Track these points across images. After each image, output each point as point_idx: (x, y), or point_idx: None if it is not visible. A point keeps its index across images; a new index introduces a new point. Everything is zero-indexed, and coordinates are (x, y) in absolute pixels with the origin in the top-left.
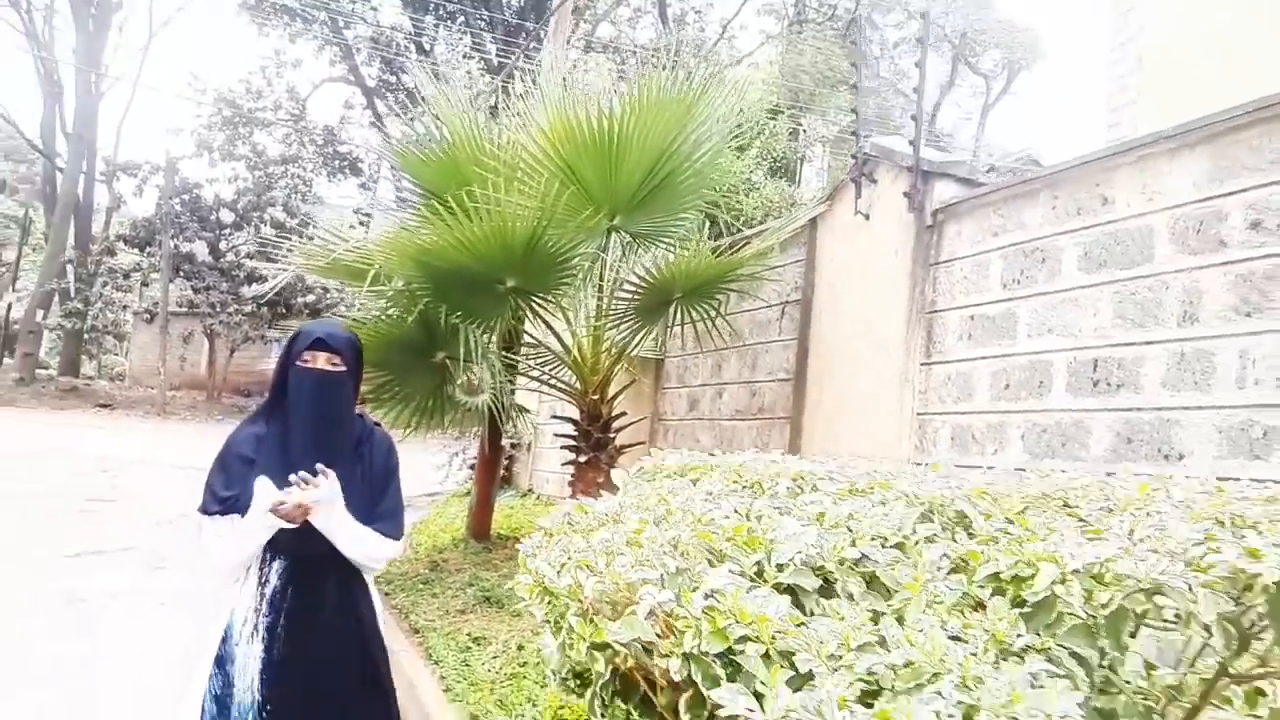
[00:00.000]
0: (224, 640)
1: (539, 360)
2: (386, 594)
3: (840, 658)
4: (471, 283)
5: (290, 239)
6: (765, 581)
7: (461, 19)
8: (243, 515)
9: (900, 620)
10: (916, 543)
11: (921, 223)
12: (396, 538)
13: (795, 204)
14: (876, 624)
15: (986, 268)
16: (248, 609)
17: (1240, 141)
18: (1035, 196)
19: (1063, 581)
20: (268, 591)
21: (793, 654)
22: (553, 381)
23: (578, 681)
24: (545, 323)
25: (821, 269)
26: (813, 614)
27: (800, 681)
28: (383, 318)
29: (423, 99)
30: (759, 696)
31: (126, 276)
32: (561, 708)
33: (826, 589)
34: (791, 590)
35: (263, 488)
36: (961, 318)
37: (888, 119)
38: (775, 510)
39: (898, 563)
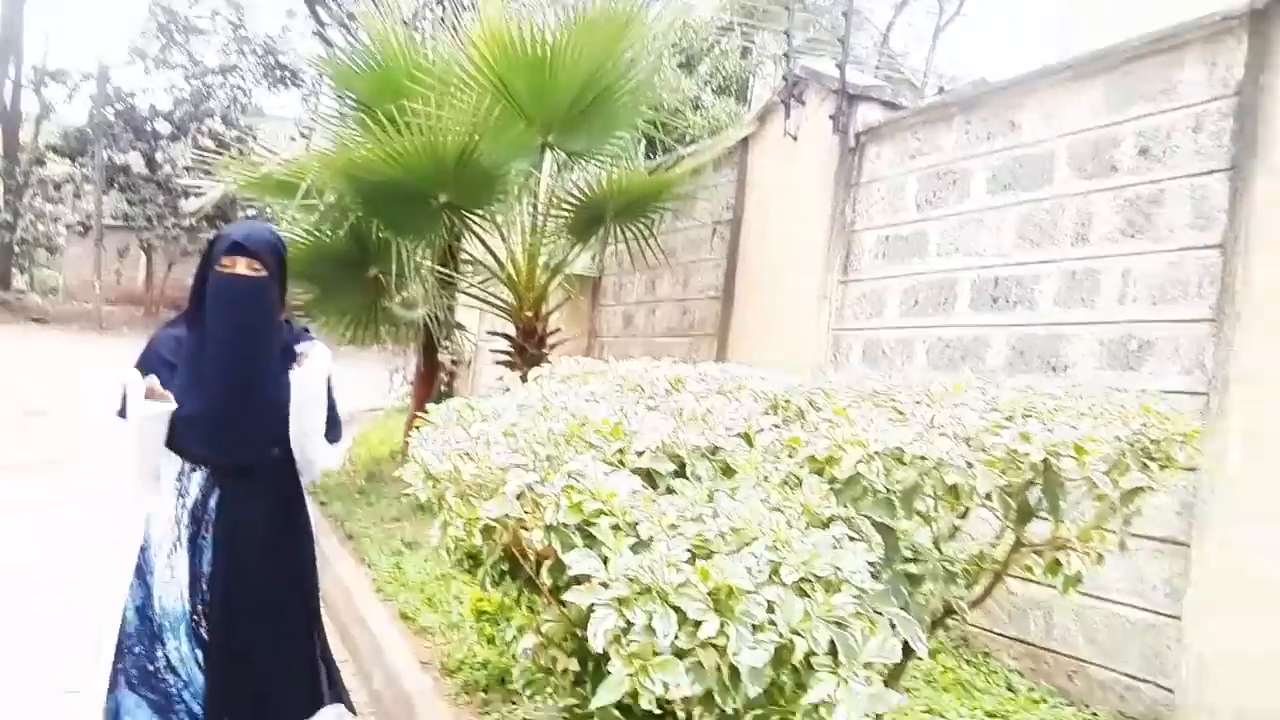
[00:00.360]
0: (143, 550)
1: (477, 278)
2: (323, 503)
3: (678, 527)
4: (403, 197)
5: (227, 151)
6: (625, 466)
7: None
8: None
9: (733, 496)
10: (759, 432)
11: (845, 145)
12: (335, 440)
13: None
14: (712, 500)
15: (903, 189)
16: (168, 520)
17: (1133, 72)
18: (950, 121)
19: (867, 461)
20: (188, 503)
21: (638, 524)
22: (489, 298)
23: (471, 562)
24: (481, 239)
25: (752, 189)
26: (669, 492)
27: (642, 547)
28: (314, 232)
29: (354, 14)
30: (606, 560)
31: (58, 188)
32: (480, 599)
33: (681, 473)
34: (649, 473)
35: (132, 382)
36: (878, 238)
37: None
38: (645, 408)
39: (739, 449)
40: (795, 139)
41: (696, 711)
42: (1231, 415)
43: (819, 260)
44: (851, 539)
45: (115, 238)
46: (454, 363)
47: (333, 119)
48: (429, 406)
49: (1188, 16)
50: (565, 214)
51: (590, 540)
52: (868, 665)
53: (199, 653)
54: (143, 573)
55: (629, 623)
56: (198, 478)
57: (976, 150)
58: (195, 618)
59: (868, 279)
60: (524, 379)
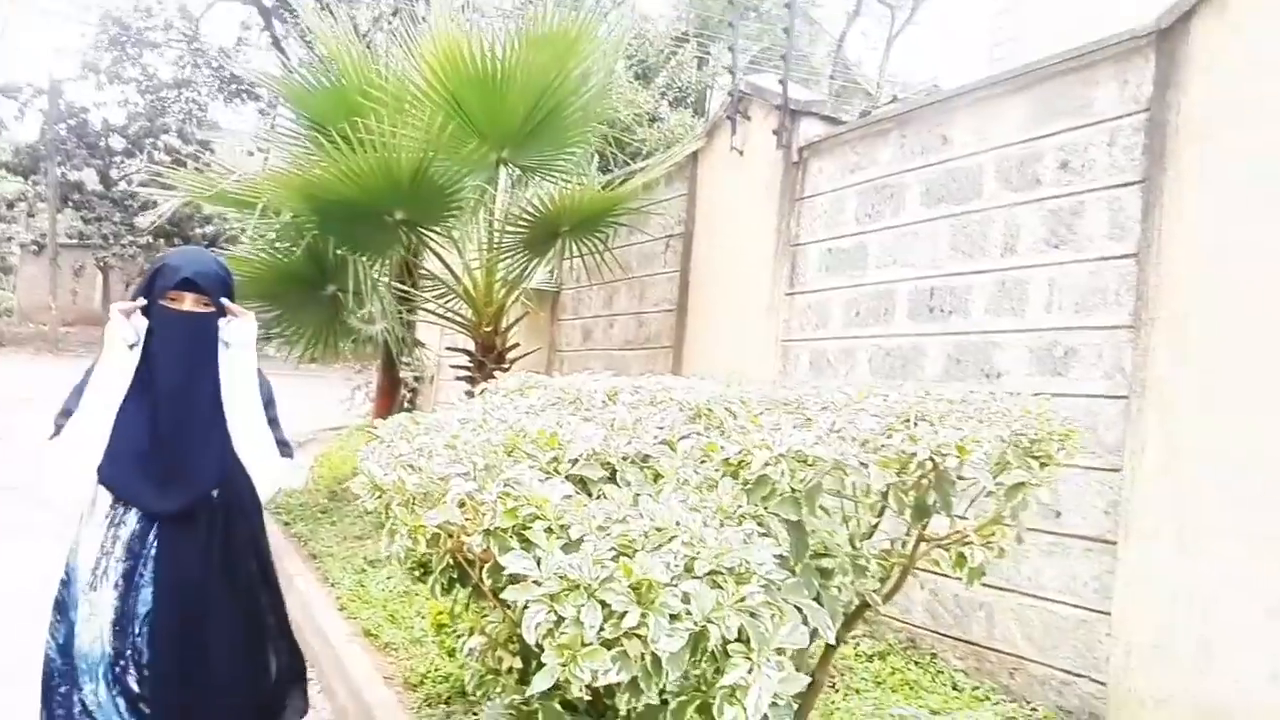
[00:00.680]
0: (65, 584)
1: (435, 294)
2: (286, 523)
3: (605, 528)
4: (359, 215)
5: (184, 167)
6: (559, 474)
7: None
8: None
9: (656, 499)
10: (681, 439)
11: (788, 159)
12: (290, 456)
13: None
14: (637, 503)
15: (843, 203)
16: (95, 550)
17: (1053, 88)
18: (887, 135)
19: (774, 463)
20: (123, 534)
21: (569, 526)
22: (448, 314)
23: (423, 571)
24: (438, 256)
25: (701, 203)
26: (600, 497)
27: (572, 547)
28: (270, 250)
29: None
30: (539, 560)
31: (10, 206)
32: (441, 613)
33: (612, 478)
34: (583, 480)
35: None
36: (821, 250)
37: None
38: (581, 419)
39: (665, 455)
40: (742, 154)
41: (625, 699)
42: (1149, 418)
43: (767, 273)
44: (761, 535)
45: (71, 256)
46: (415, 379)
47: (288, 137)
48: (377, 422)
49: (1105, 34)
50: (521, 230)
51: (525, 543)
52: (780, 651)
53: (121, 701)
54: (65, 608)
55: (560, 617)
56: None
57: (911, 164)
58: (121, 663)
59: (813, 291)
60: (470, 394)
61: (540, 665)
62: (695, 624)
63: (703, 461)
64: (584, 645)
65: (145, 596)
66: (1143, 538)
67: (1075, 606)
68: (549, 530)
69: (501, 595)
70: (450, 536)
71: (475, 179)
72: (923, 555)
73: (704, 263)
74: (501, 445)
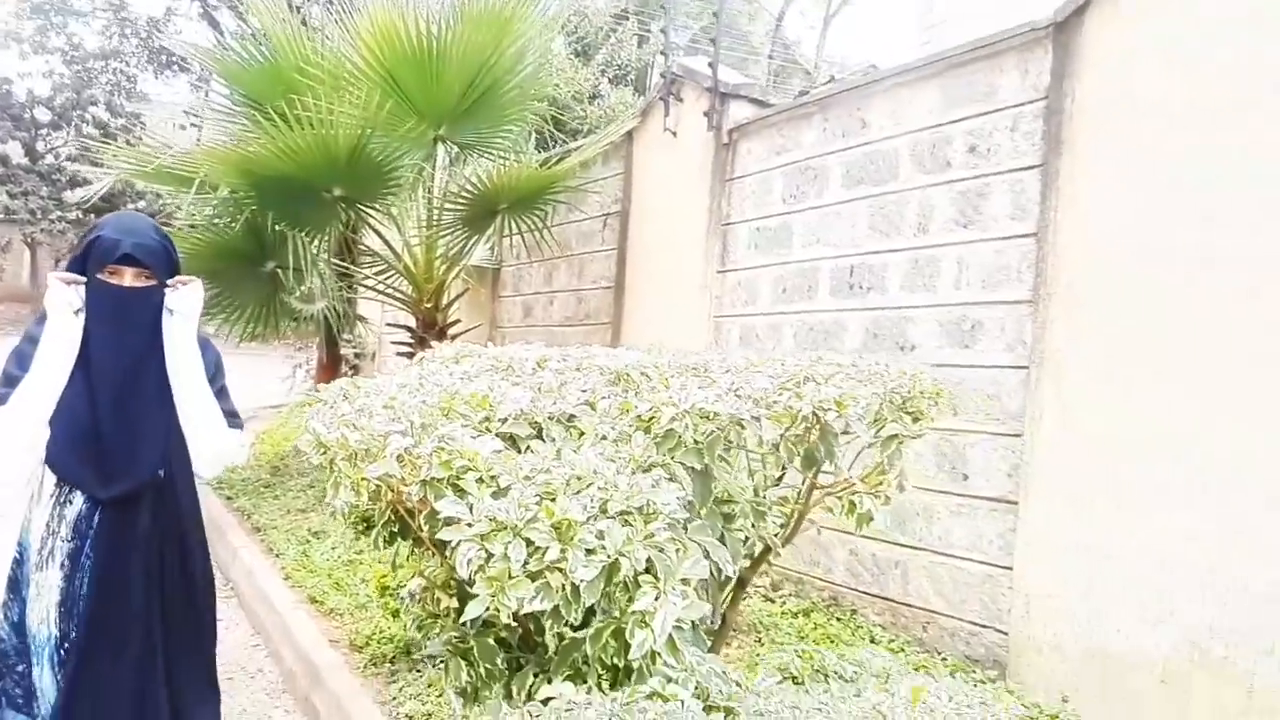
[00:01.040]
0: (18, 563)
1: (376, 270)
2: (229, 498)
3: (530, 478)
4: (297, 192)
5: (114, 141)
6: (490, 432)
7: None
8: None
9: (577, 451)
10: (601, 399)
11: (719, 141)
12: (239, 429)
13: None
14: (560, 456)
15: (770, 184)
16: (42, 529)
17: (961, 76)
18: (810, 119)
19: (680, 418)
20: (69, 514)
21: (498, 476)
22: (389, 291)
23: (365, 525)
24: (378, 232)
25: (637, 182)
26: (528, 451)
27: (501, 494)
28: (209, 226)
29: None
30: (471, 506)
31: None
32: (384, 575)
33: (539, 435)
34: (512, 437)
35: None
36: (750, 229)
37: (732, 27)
38: (511, 384)
39: (586, 414)
40: (675, 135)
41: (550, 624)
42: (1045, 387)
43: (699, 251)
44: (669, 481)
45: None
46: (357, 355)
47: (222, 112)
48: (320, 387)
49: (1011, 24)
50: (460, 207)
51: (459, 491)
52: (685, 581)
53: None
54: (18, 586)
55: (489, 554)
56: None
57: (833, 147)
58: (66, 645)
59: (742, 269)
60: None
61: (474, 598)
62: (609, 556)
63: (619, 418)
64: (511, 578)
65: (87, 579)
66: (1040, 498)
67: (981, 563)
68: (480, 480)
69: (438, 537)
70: (390, 490)
71: (413, 156)
72: (817, 503)
73: (640, 241)
74: (437, 406)
